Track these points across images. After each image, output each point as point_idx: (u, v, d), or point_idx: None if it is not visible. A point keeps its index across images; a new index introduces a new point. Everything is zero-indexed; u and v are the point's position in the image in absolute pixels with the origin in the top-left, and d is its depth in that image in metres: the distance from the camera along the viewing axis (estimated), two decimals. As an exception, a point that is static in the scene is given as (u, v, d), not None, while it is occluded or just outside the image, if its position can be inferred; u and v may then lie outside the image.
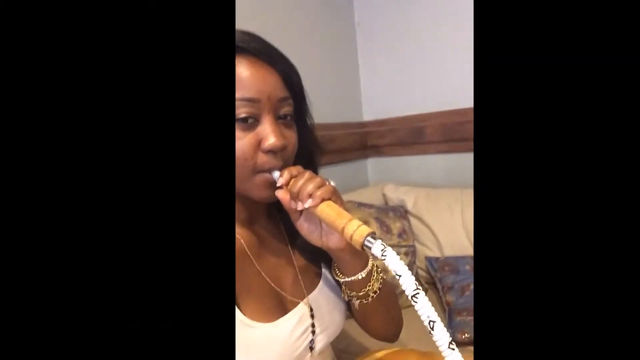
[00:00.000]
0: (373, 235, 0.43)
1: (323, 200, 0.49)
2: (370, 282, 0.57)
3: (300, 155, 0.57)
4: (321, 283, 0.63)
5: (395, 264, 0.40)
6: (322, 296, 0.61)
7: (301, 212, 0.54)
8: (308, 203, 0.49)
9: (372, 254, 0.43)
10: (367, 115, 1.80)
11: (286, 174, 0.52)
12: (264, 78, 0.51)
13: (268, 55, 0.53)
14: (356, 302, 0.59)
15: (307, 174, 0.52)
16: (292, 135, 0.55)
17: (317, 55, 1.58)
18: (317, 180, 0.51)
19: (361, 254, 0.56)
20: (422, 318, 0.37)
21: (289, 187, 0.51)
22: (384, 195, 1.55)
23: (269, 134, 0.51)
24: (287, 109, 0.54)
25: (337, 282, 0.60)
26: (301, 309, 0.58)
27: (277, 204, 0.59)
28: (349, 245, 0.51)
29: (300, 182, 0.51)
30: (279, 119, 0.53)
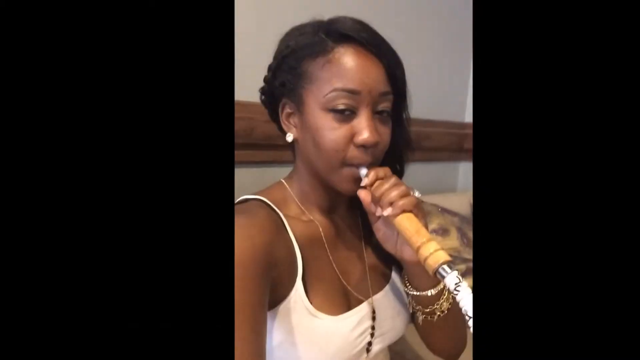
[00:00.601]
0: (450, 264, 0.41)
1: (404, 211, 0.47)
2: (439, 300, 0.55)
3: (391, 152, 0.56)
4: (388, 286, 0.61)
5: (467, 303, 0.37)
6: (387, 300, 0.60)
7: (376, 216, 0.52)
8: (387, 211, 0.48)
9: (445, 284, 0.40)
10: (470, 117, 1.70)
11: (372, 174, 0.50)
12: (368, 70, 0.50)
13: (376, 47, 0.51)
14: (420, 317, 0.57)
15: (393, 179, 0.50)
16: (386, 132, 0.53)
17: (427, 46, 1.51)
18: (402, 188, 0.49)
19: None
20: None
21: (372, 189, 0.50)
22: (471, 204, 1.47)
23: (363, 128, 0.50)
24: (385, 105, 0.52)
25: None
26: (364, 309, 0.57)
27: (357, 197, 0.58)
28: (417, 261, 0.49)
29: (384, 187, 0.49)
30: (375, 113, 0.52)
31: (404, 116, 0.58)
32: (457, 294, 0.38)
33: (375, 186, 0.50)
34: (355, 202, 0.62)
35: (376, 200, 0.50)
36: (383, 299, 0.60)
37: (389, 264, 0.63)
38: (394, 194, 0.48)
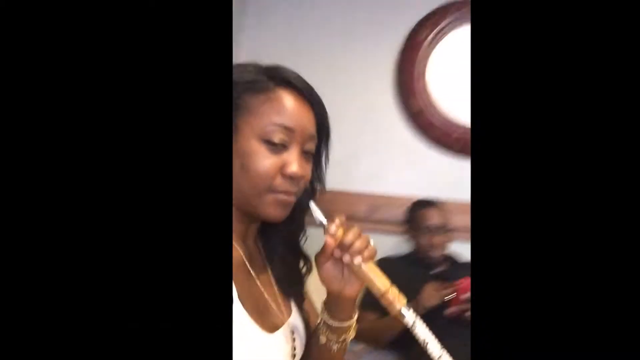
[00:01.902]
0: (408, 305, 0.57)
1: (368, 260, 0.56)
2: (350, 330, 0.65)
3: (306, 188, 0.63)
4: (293, 312, 0.68)
5: (424, 333, 0.55)
6: (295, 324, 0.66)
7: (330, 258, 0.58)
8: (357, 260, 0.55)
9: (405, 322, 0.57)
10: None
11: (338, 222, 0.57)
12: (303, 113, 0.59)
13: (310, 96, 0.61)
14: (334, 347, 0.64)
15: (356, 229, 0.57)
16: (309, 168, 0.61)
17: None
18: (365, 238, 0.57)
19: (354, 306, 0.63)
20: (447, 373, 0.52)
21: (340, 237, 0.56)
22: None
23: (294, 161, 0.57)
24: (311, 146, 0.61)
25: (312, 327, 0.67)
26: (286, 328, 0.63)
27: (262, 231, 0.66)
28: (355, 297, 0.59)
29: (352, 237, 0.56)
30: (302, 152, 0.60)
31: (323, 157, 0.67)
32: (414, 329, 0.56)
33: (344, 235, 0.56)
34: (260, 234, 0.69)
35: (345, 248, 0.56)
36: (294, 322, 0.66)
37: (288, 295, 0.69)
38: (360, 244, 0.55)
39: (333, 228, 0.57)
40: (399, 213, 1.73)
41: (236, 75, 0.59)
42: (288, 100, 0.58)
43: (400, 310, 0.57)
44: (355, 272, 0.58)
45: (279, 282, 0.67)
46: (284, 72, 0.61)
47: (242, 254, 0.62)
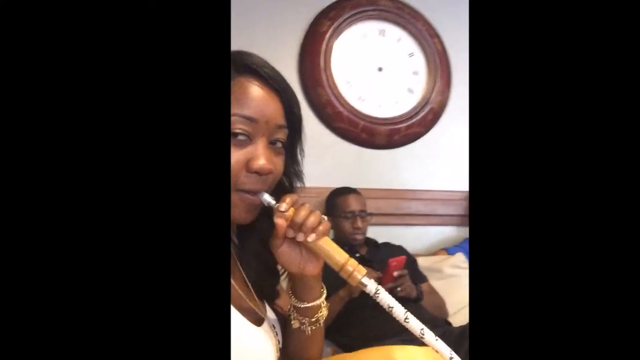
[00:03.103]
0: (367, 275, 0.57)
1: (323, 235, 0.55)
2: (320, 309, 0.64)
3: (281, 183, 0.60)
4: (268, 308, 0.67)
5: (387, 298, 0.55)
6: (273, 319, 0.66)
7: (285, 240, 0.56)
8: (311, 237, 0.54)
9: (367, 290, 0.56)
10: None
11: (289, 201, 0.55)
12: (267, 102, 0.55)
13: (277, 83, 0.56)
14: (308, 328, 0.64)
15: (308, 206, 0.55)
16: (279, 163, 0.58)
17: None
18: (317, 215, 0.55)
19: (319, 283, 0.62)
20: (415, 331, 0.53)
21: (293, 215, 0.54)
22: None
23: (259, 155, 0.53)
24: (280, 136, 0.57)
25: (283, 315, 0.66)
26: (267, 322, 0.62)
27: (237, 231, 0.63)
28: (319, 274, 0.59)
29: (304, 214, 0.53)
30: (270, 143, 0.56)
31: (298, 150, 0.64)
32: (377, 296, 0.56)
33: (294, 213, 0.54)
34: (235, 234, 0.66)
35: (297, 227, 0.54)
36: (271, 316, 0.65)
37: (261, 297, 0.67)
38: (313, 220, 0.54)
39: (283, 207, 0.54)
40: (316, 202, 1.74)
41: None
42: (251, 89, 0.54)
43: (361, 280, 0.56)
44: (312, 249, 0.57)
45: (254, 285, 0.64)
46: (247, 58, 0.56)
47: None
